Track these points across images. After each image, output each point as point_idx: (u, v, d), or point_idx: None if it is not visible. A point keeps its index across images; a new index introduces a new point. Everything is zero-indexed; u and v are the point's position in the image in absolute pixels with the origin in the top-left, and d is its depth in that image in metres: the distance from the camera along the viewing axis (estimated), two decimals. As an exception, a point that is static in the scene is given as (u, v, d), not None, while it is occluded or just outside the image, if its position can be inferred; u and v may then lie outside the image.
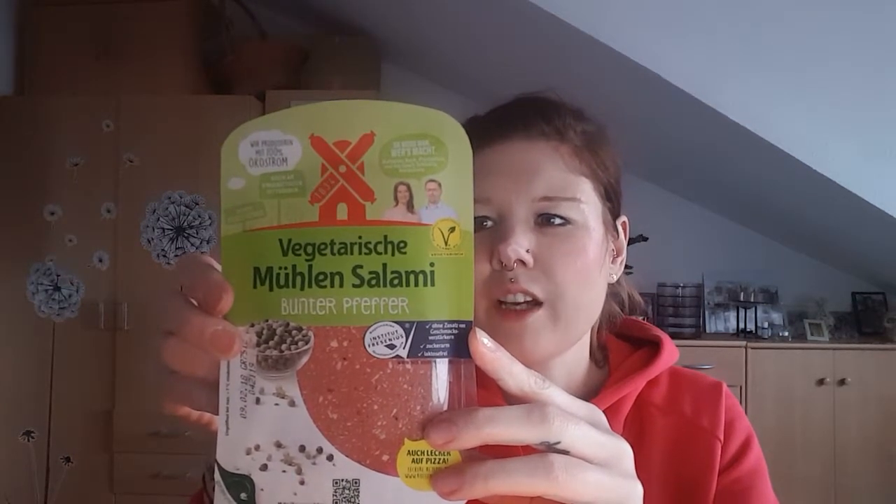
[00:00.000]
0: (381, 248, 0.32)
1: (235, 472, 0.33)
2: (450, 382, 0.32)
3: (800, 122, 1.90)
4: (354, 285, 0.32)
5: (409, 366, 0.32)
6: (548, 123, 0.62)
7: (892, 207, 2.04)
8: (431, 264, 0.32)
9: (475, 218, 0.57)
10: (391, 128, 0.33)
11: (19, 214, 2.25)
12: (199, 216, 2.24)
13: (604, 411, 0.36)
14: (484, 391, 0.37)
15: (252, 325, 0.33)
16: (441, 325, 0.32)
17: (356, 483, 0.31)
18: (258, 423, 0.32)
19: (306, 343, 0.32)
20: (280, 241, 0.33)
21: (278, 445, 0.32)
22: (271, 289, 0.32)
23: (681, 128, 2.23)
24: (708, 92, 1.84)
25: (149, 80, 2.29)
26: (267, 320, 0.32)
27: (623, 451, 0.35)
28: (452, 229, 0.32)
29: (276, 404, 0.32)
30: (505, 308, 0.58)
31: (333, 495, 0.31)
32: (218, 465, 0.33)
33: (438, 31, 2.45)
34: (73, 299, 2.23)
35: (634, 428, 0.64)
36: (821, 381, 2.42)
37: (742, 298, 2.74)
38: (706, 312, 2.82)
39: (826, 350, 2.46)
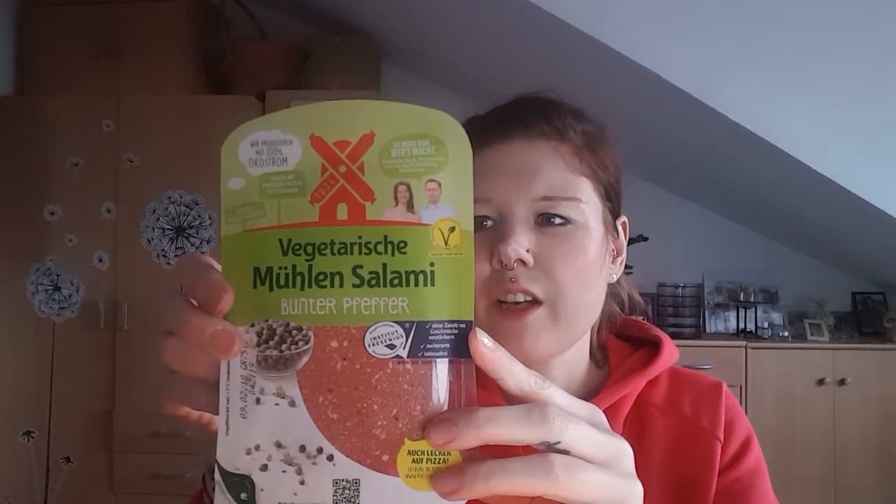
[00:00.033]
0: (381, 248, 0.32)
1: (235, 472, 0.33)
2: (450, 382, 0.32)
3: (800, 122, 1.90)
4: (354, 285, 0.32)
5: (409, 366, 0.32)
6: (548, 123, 0.62)
7: (892, 207, 2.04)
8: (431, 264, 0.32)
9: (475, 217, 0.57)
10: (391, 128, 0.33)
11: (19, 214, 2.25)
12: (199, 216, 2.24)
13: (604, 411, 0.36)
14: (484, 391, 0.37)
15: (252, 325, 0.33)
16: (441, 325, 0.32)
17: (356, 483, 0.31)
18: (258, 423, 0.32)
19: (306, 343, 0.32)
20: (280, 241, 0.33)
21: (278, 445, 0.32)
22: (271, 289, 0.32)
23: (681, 128, 2.23)
24: (708, 92, 1.84)
25: (149, 80, 2.29)
26: (267, 320, 0.32)
27: (623, 451, 0.35)
28: (452, 229, 0.32)
29: (277, 404, 0.32)
30: (505, 307, 0.58)
31: (334, 495, 0.31)
32: (218, 465, 0.33)
33: (438, 31, 2.45)
34: (73, 299, 2.23)
35: (634, 428, 0.64)
36: (821, 381, 2.42)
37: (742, 298, 2.74)
38: (706, 312, 2.83)
39: (826, 350, 2.46)
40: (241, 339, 0.32)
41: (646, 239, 2.39)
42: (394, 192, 0.33)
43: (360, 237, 0.32)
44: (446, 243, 0.32)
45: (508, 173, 0.60)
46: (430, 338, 0.32)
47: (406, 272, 0.32)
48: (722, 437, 0.64)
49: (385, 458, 0.31)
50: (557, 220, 0.59)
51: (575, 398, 0.34)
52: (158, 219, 2.24)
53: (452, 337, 0.32)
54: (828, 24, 1.79)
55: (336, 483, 0.31)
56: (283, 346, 0.32)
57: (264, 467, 0.32)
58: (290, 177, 0.33)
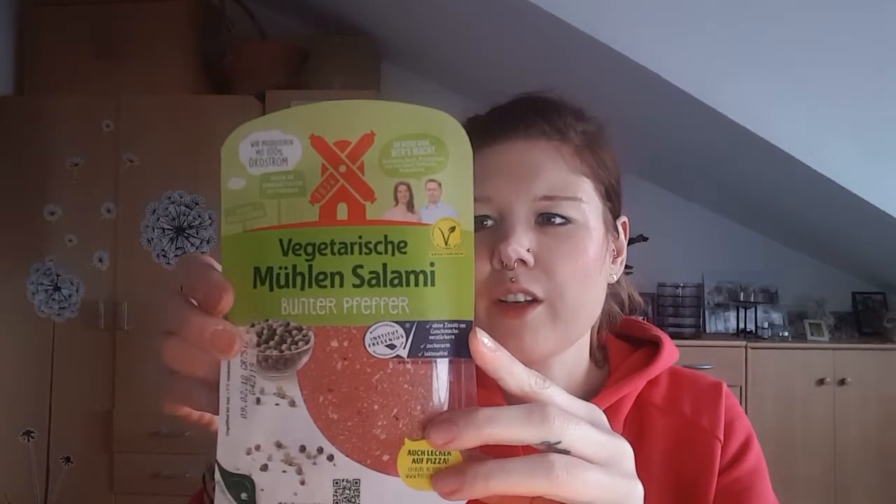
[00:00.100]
0: (381, 247, 0.32)
1: (236, 472, 0.33)
2: (450, 382, 0.32)
3: (800, 122, 1.90)
4: (355, 285, 0.32)
5: (409, 366, 0.32)
6: (548, 123, 0.62)
7: (892, 207, 2.04)
8: (432, 264, 0.32)
9: (475, 217, 0.58)
10: (391, 128, 0.33)
11: (19, 214, 2.25)
12: (199, 216, 2.24)
13: (604, 411, 0.36)
14: (484, 391, 0.37)
15: (252, 325, 0.33)
16: (441, 325, 0.32)
17: (356, 483, 0.31)
18: (258, 423, 0.32)
19: (306, 343, 0.32)
20: (280, 241, 0.33)
21: (279, 445, 0.32)
22: (271, 289, 0.32)
23: (681, 128, 2.23)
24: (708, 92, 1.84)
25: (149, 80, 2.29)
26: (267, 320, 0.32)
27: (623, 451, 0.35)
28: (453, 229, 0.32)
29: (277, 404, 0.32)
30: (505, 305, 0.58)
31: (334, 495, 0.31)
32: (218, 465, 0.33)
33: (438, 31, 2.45)
34: (73, 299, 2.23)
35: (634, 428, 0.64)
36: (821, 381, 2.42)
37: (742, 298, 2.74)
38: (706, 312, 2.83)
39: (826, 350, 2.46)
40: (242, 339, 0.32)
41: (646, 239, 2.39)
42: (394, 192, 0.33)
43: (360, 237, 0.32)
44: (446, 243, 0.32)
45: (509, 173, 0.60)
46: (431, 338, 0.32)
47: (406, 272, 0.32)
48: (722, 437, 0.64)
49: (385, 458, 0.31)
50: (558, 220, 0.59)
51: (575, 398, 0.34)
52: (158, 219, 2.24)
53: (453, 337, 0.32)
54: (828, 24, 1.79)
55: (336, 483, 0.31)
56: (284, 346, 0.32)
57: (264, 467, 0.32)
58: (290, 177, 0.33)
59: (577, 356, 0.66)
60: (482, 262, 0.58)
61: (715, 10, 1.78)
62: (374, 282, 0.32)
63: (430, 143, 0.33)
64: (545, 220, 0.59)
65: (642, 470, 0.36)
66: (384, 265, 0.32)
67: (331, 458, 0.31)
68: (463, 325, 0.32)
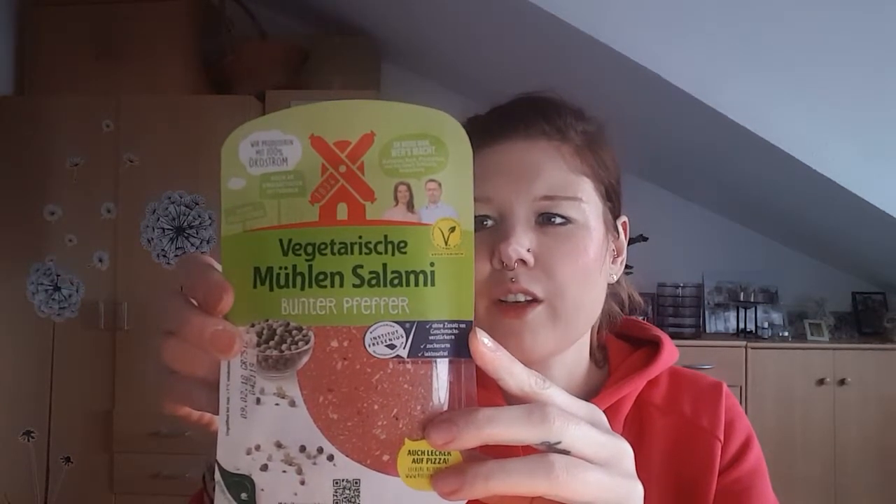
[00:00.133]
0: (381, 247, 0.32)
1: (236, 473, 0.33)
2: (450, 382, 0.32)
3: (800, 122, 1.90)
4: (355, 285, 0.32)
5: (409, 366, 0.32)
6: (549, 123, 0.62)
7: (892, 207, 2.04)
8: (432, 264, 0.32)
9: (476, 217, 0.58)
10: (391, 128, 0.33)
11: (19, 214, 2.25)
12: (199, 216, 2.24)
13: (604, 411, 0.36)
14: (484, 391, 0.37)
15: (252, 325, 0.33)
16: (441, 325, 0.32)
17: (357, 483, 0.31)
18: (258, 423, 0.32)
19: (306, 343, 0.32)
20: (280, 241, 0.33)
21: (279, 445, 0.32)
22: (271, 289, 0.32)
23: (681, 128, 2.23)
24: (708, 92, 1.84)
25: (149, 80, 2.29)
26: (267, 320, 0.32)
27: (623, 451, 0.35)
28: (453, 229, 0.32)
29: (277, 404, 0.32)
30: (505, 304, 0.58)
31: (334, 495, 0.31)
32: (218, 465, 0.33)
33: (438, 31, 2.45)
34: (73, 299, 2.23)
35: (634, 428, 0.64)
36: (821, 381, 2.42)
37: (742, 298, 2.74)
38: (706, 312, 2.82)
39: (826, 350, 2.46)
40: (242, 339, 0.32)
41: (646, 239, 2.39)
42: (394, 192, 0.33)
43: (360, 237, 0.32)
44: (446, 243, 0.32)
45: (509, 173, 0.60)
46: (431, 338, 0.32)
47: (406, 272, 0.32)
48: (722, 437, 0.64)
49: (385, 458, 0.31)
50: (558, 220, 0.59)
51: (575, 398, 0.34)
52: (158, 219, 2.24)
53: (453, 337, 0.32)
54: (828, 24, 1.79)
55: (336, 483, 0.31)
56: (284, 346, 0.32)
57: (264, 467, 0.32)
58: (290, 177, 0.33)
59: (577, 356, 0.66)
60: (482, 262, 0.58)
61: (715, 10, 1.78)
62: (374, 282, 0.32)
63: (430, 143, 0.33)
64: (545, 219, 0.59)
65: (642, 470, 0.36)
66: (384, 265, 0.32)
67: (331, 458, 0.31)
68: (463, 325, 0.32)
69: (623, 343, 0.71)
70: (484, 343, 0.32)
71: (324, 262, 0.32)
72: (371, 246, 0.32)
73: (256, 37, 2.51)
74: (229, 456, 0.33)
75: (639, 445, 0.55)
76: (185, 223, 2.23)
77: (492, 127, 0.62)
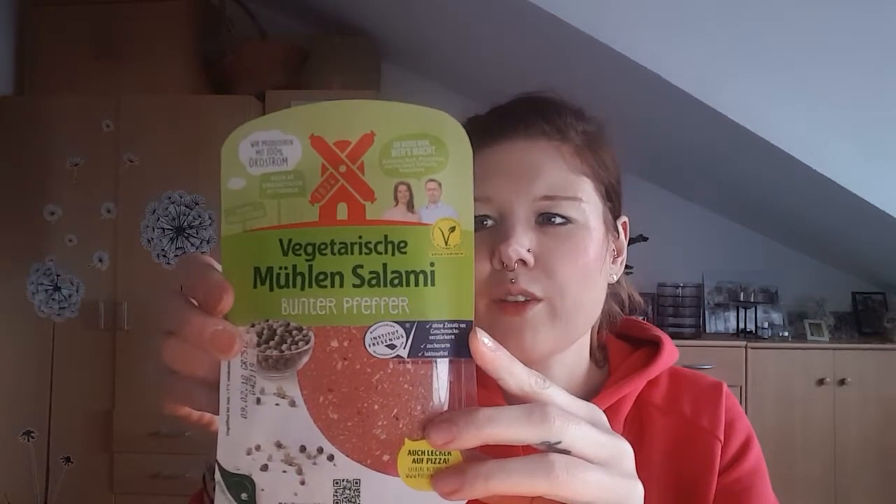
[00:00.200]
0: (381, 247, 0.32)
1: (236, 473, 0.33)
2: (450, 382, 0.32)
3: (800, 122, 1.90)
4: (355, 285, 0.32)
5: (409, 366, 0.32)
6: (549, 123, 0.62)
7: (892, 207, 2.04)
8: (432, 264, 0.32)
9: (476, 217, 0.57)
10: (391, 128, 0.33)
11: (19, 214, 2.25)
12: (199, 216, 2.24)
13: (604, 411, 0.36)
14: (484, 391, 0.37)
15: (252, 325, 0.33)
16: (441, 325, 0.32)
17: (357, 483, 0.31)
18: (259, 423, 0.32)
19: (307, 343, 0.32)
20: (280, 241, 0.33)
21: (279, 445, 0.32)
22: (272, 289, 0.32)
23: (681, 128, 2.23)
24: (708, 92, 1.84)
25: (149, 80, 2.29)
26: (267, 320, 0.32)
27: (624, 451, 0.35)
28: (453, 229, 0.32)
29: (277, 404, 0.32)
30: (504, 303, 0.58)
31: (334, 495, 0.31)
32: (218, 465, 0.33)
33: (438, 31, 2.45)
34: (73, 299, 2.23)
35: (634, 428, 0.64)
36: (821, 381, 2.42)
37: (742, 298, 2.74)
38: (706, 312, 2.82)
39: (826, 350, 2.46)
40: (242, 339, 0.32)
41: (646, 239, 2.39)
42: (394, 192, 0.33)
43: (360, 237, 0.32)
44: (446, 243, 0.32)
45: (509, 173, 0.60)
46: (431, 338, 0.32)
47: (406, 272, 0.32)
48: (722, 438, 0.64)
49: (385, 458, 0.31)
50: (558, 220, 0.59)
51: (575, 398, 0.34)
52: (158, 219, 2.24)
53: (453, 337, 0.32)
54: (828, 24, 1.79)
55: (336, 483, 0.31)
56: (284, 346, 0.32)
57: (265, 467, 0.32)
58: (290, 177, 0.33)
59: (577, 356, 0.66)
60: (482, 262, 0.58)
61: (715, 10, 1.78)
62: (374, 282, 0.32)
63: (430, 143, 0.33)
64: (545, 219, 0.59)
65: (642, 470, 0.36)
66: (384, 265, 0.32)
67: (331, 458, 0.31)
68: (463, 325, 0.32)
69: (623, 343, 0.71)
70: (484, 343, 0.32)
71: (324, 262, 0.32)
72: (371, 246, 0.32)
73: (256, 37, 2.51)
74: (229, 456, 0.33)
75: (639, 445, 0.55)
76: (185, 223, 2.23)
77: (492, 127, 0.62)
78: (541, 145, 0.61)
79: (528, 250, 0.57)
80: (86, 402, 2.21)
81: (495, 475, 0.30)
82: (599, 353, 0.71)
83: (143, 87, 2.29)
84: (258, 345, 0.32)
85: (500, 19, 2.03)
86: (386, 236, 0.32)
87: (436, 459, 0.31)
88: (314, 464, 0.31)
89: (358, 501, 0.31)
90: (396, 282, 0.32)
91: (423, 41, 2.63)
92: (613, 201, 0.65)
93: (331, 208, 0.33)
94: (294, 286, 0.32)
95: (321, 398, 0.32)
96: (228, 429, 0.33)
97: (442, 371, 0.32)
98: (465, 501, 0.31)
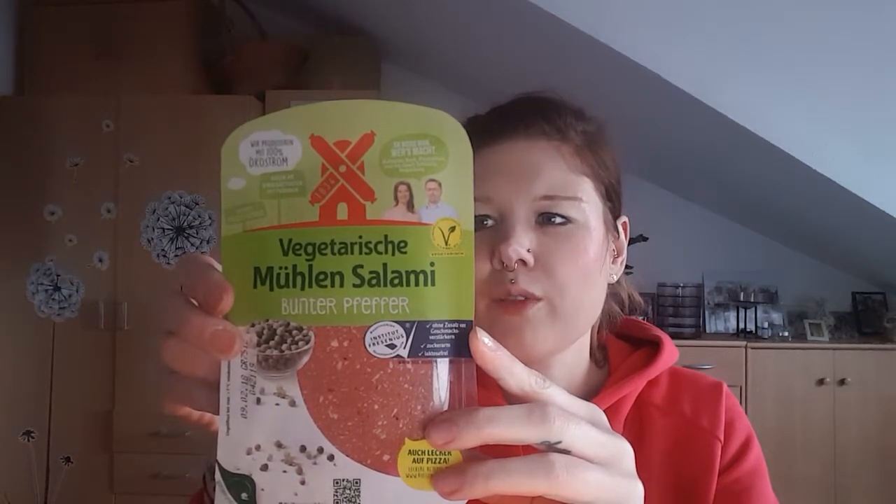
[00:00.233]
0: (381, 247, 0.32)
1: (236, 472, 0.33)
2: (450, 382, 0.32)
3: (800, 122, 1.90)
4: (355, 285, 0.32)
5: (409, 365, 0.32)
6: (549, 123, 0.62)
7: (892, 207, 2.04)
8: (432, 264, 0.32)
9: (476, 217, 0.57)
10: (391, 127, 0.33)
11: (19, 214, 2.25)
12: (199, 216, 2.24)
13: (604, 411, 0.36)
14: (484, 391, 0.37)
15: (252, 325, 0.33)
16: (441, 325, 0.32)
17: (357, 483, 0.31)
18: (259, 423, 0.32)
19: (307, 343, 0.32)
20: (280, 240, 0.33)
21: (279, 445, 0.32)
22: (272, 289, 0.32)
23: (681, 128, 2.23)
24: (708, 92, 1.84)
25: (149, 80, 2.29)
26: (267, 320, 0.32)
27: (624, 451, 0.35)
28: (453, 229, 0.32)
29: (277, 404, 0.32)
30: (504, 302, 0.58)
31: (334, 495, 0.31)
32: (218, 465, 0.33)
33: (438, 31, 2.45)
34: (73, 299, 2.23)
35: (634, 428, 0.64)
36: (821, 381, 2.42)
37: (742, 298, 2.74)
38: (706, 312, 2.82)
39: (826, 350, 2.46)
40: (242, 338, 0.32)
41: (646, 239, 2.39)
42: (394, 192, 0.33)
43: (360, 237, 0.32)
44: (446, 243, 0.32)
45: (509, 173, 0.60)
46: (431, 337, 0.32)
47: (406, 272, 0.32)
48: (722, 438, 0.64)
49: (386, 457, 0.31)
50: (558, 220, 0.59)
51: (575, 398, 0.34)
52: (158, 219, 2.24)
53: (453, 336, 0.32)
54: (828, 24, 1.79)
55: (337, 483, 0.31)
56: (284, 346, 0.32)
57: (265, 467, 0.32)
58: (290, 177, 0.33)
59: (577, 356, 0.66)
60: (482, 262, 0.58)
61: (715, 10, 1.78)
62: (374, 282, 0.32)
63: (430, 143, 0.33)
64: (545, 219, 0.59)
65: (642, 470, 0.36)
66: (384, 265, 0.32)
67: (331, 457, 0.31)
68: (463, 325, 0.32)
69: (623, 343, 0.71)
70: (484, 343, 0.32)
71: (324, 261, 0.32)
72: (371, 246, 0.32)
73: (256, 37, 2.51)
74: (230, 456, 0.33)
75: (639, 445, 0.55)
76: (185, 223, 2.23)
77: (492, 127, 0.62)
78: (541, 145, 0.61)
79: (528, 250, 0.57)
80: (86, 402, 2.21)
81: (495, 475, 0.30)
82: (599, 353, 0.71)
83: (143, 87, 2.29)
84: (258, 345, 0.32)
85: (500, 19, 2.03)
86: (386, 236, 0.32)
87: (436, 459, 0.31)
88: (314, 464, 0.31)
89: (358, 501, 0.31)
90: (396, 282, 0.32)
91: (423, 41, 2.63)
92: (613, 201, 0.65)
93: (331, 208, 0.33)
94: (294, 286, 0.32)
95: (321, 398, 0.32)
96: (228, 429, 0.33)
97: (442, 371, 0.32)
98: (466, 501, 0.31)
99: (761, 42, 1.81)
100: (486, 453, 0.32)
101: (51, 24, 2.33)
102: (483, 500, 0.32)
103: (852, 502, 2.38)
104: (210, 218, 2.24)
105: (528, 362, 0.34)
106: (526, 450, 0.32)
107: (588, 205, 0.61)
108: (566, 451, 0.32)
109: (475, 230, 0.33)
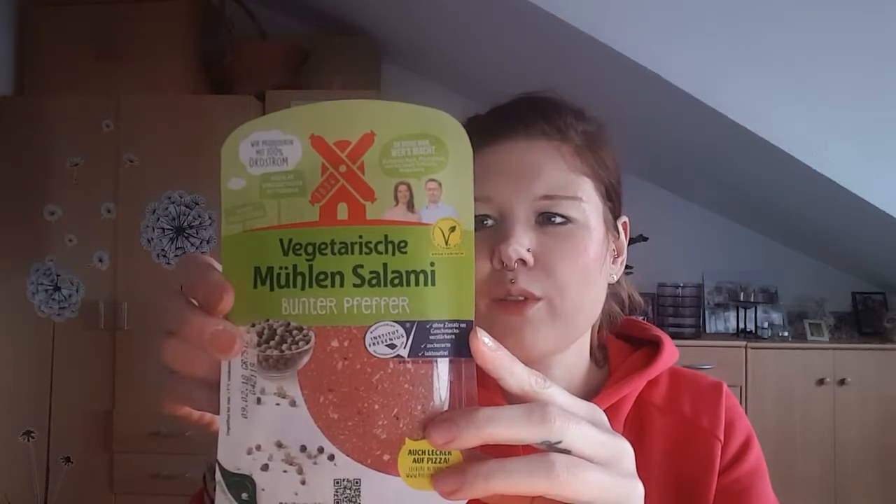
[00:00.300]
0: (381, 247, 0.32)
1: (236, 472, 0.33)
2: (451, 382, 0.32)
3: (800, 122, 1.90)
4: (355, 285, 0.32)
5: (409, 365, 0.32)
6: (549, 123, 0.62)
7: (892, 207, 2.04)
8: (432, 264, 0.32)
9: (476, 217, 0.57)
10: (391, 127, 0.33)
11: (19, 214, 2.25)
12: (199, 216, 2.24)
13: (604, 411, 0.36)
14: (484, 390, 0.37)
15: (253, 325, 0.33)
16: (442, 325, 0.32)
17: (357, 483, 0.31)
18: (259, 422, 0.32)
19: (307, 343, 0.32)
20: (280, 240, 0.33)
21: (279, 445, 0.32)
22: (272, 289, 0.32)
23: (681, 128, 2.23)
24: (708, 92, 1.84)
25: (149, 80, 2.29)
26: (268, 320, 0.32)
27: (624, 451, 0.35)
28: (453, 229, 0.32)
29: (277, 404, 0.32)
30: (505, 301, 0.58)
31: (335, 495, 0.31)
32: (219, 464, 0.33)
33: (438, 31, 2.45)
34: (73, 299, 2.23)
35: (634, 428, 0.64)
36: (821, 381, 2.42)
37: (742, 298, 2.74)
38: (706, 312, 2.83)
39: (826, 350, 2.46)
40: (242, 338, 0.32)
41: (646, 239, 2.39)
42: (394, 192, 0.33)
43: (360, 237, 0.32)
44: (447, 243, 0.32)
45: (509, 173, 0.60)
46: (431, 337, 0.32)
47: (406, 272, 0.32)
48: (722, 438, 0.64)
49: (386, 457, 0.31)
50: (558, 220, 0.59)
51: (576, 398, 0.34)
52: (158, 219, 2.24)
53: (453, 336, 0.32)
54: (828, 25, 1.79)
55: (337, 483, 0.31)
56: (284, 346, 0.32)
57: (265, 467, 0.32)
58: (290, 177, 0.33)
59: (577, 356, 0.66)
60: (482, 262, 0.58)
61: (715, 10, 1.78)
62: (374, 281, 0.32)
63: (430, 143, 0.33)
64: (545, 219, 0.59)
65: (642, 470, 0.36)
66: (384, 265, 0.32)
67: (331, 457, 0.31)
68: (463, 325, 0.32)
69: (623, 343, 0.71)
70: (484, 342, 0.32)
71: (324, 261, 0.32)
72: (371, 246, 0.32)
73: (256, 37, 2.51)
74: (230, 456, 0.33)
75: (639, 445, 0.55)
76: (185, 223, 2.23)
77: (492, 127, 0.62)
78: (541, 145, 0.61)
79: (528, 250, 0.57)
80: (86, 402, 2.21)
81: (496, 475, 0.30)
82: (599, 353, 0.71)
83: (143, 87, 2.29)
84: (258, 345, 0.32)
85: (500, 19, 2.03)
86: (386, 236, 0.32)
87: (436, 459, 0.31)
88: (315, 463, 0.31)
89: (358, 501, 0.31)
90: (397, 281, 0.32)
91: (423, 41, 2.63)
92: (613, 201, 0.65)
93: (331, 208, 0.33)
94: (294, 286, 0.32)
95: (321, 398, 0.32)
96: (229, 429, 0.33)
97: (442, 371, 0.32)
98: (466, 501, 0.31)
99: (761, 42, 1.81)
100: (486, 453, 0.32)
101: (51, 24, 2.33)
102: (483, 500, 0.32)
103: (852, 502, 2.38)
104: (210, 218, 2.24)
105: (528, 362, 0.34)
106: (526, 450, 0.32)
107: (588, 205, 0.61)
108: (566, 451, 0.32)
109: (475, 230, 0.33)
